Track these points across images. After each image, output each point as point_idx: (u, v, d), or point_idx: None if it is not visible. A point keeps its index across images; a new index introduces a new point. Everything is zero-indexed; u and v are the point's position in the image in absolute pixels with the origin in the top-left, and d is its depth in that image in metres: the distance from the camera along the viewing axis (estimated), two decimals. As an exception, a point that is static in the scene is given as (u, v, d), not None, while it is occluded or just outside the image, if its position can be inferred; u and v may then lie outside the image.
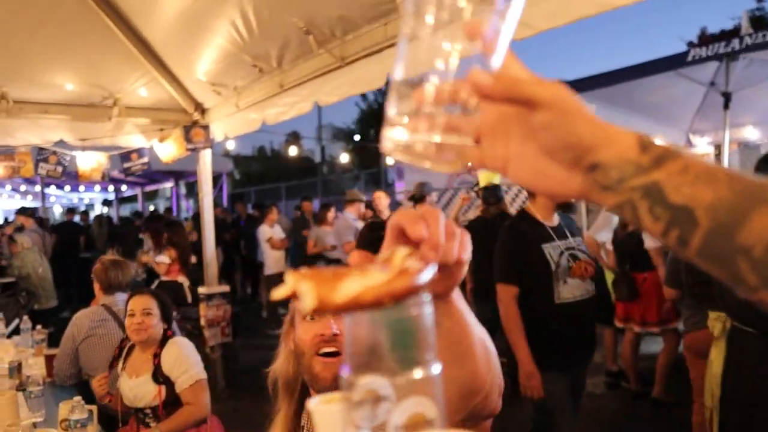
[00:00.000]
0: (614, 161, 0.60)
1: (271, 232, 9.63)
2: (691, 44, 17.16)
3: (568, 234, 3.45)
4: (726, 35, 9.04)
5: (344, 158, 14.25)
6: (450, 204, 11.76)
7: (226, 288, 6.39)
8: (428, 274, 0.55)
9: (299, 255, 9.66)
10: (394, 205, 8.80)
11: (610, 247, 5.94)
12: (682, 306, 4.45)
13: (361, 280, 0.51)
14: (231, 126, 5.72)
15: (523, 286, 3.32)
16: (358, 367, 0.63)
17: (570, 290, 3.31)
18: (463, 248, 0.68)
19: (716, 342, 3.29)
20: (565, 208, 3.69)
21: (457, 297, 0.84)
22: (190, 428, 3.12)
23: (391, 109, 0.60)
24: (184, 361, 3.18)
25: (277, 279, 10.16)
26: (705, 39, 16.87)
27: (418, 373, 0.60)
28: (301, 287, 0.51)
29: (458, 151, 0.61)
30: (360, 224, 7.52)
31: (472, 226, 6.07)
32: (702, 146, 9.36)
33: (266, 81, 4.79)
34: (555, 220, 3.45)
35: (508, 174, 0.65)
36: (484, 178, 6.54)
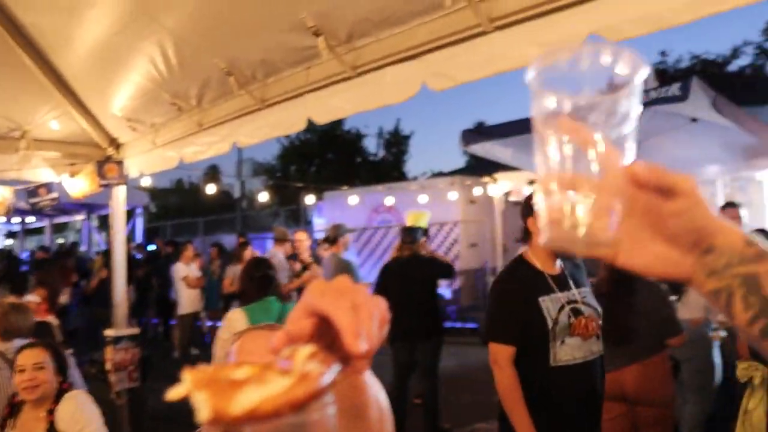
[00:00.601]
0: (725, 248, 0.68)
1: (186, 270, 9.35)
2: (600, 93, 18.04)
3: (572, 284, 2.98)
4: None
5: (264, 195, 14.08)
6: (370, 242, 11.80)
7: (135, 330, 6.11)
8: (331, 375, 0.53)
9: (214, 294, 9.42)
10: (314, 244, 8.72)
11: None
12: None
13: (259, 390, 0.49)
14: (147, 163, 5.54)
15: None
16: None
17: (569, 351, 2.85)
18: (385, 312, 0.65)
19: (755, 392, 3.34)
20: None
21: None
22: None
23: (546, 206, 0.67)
24: (81, 418, 2.97)
25: (191, 318, 9.88)
26: (614, 89, 17.81)
27: None
28: (196, 397, 0.48)
29: (604, 233, 0.67)
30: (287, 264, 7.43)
31: (387, 267, 6.11)
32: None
33: (185, 119, 4.69)
34: (557, 268, 3.00)
35: (620, 258, 0.72)
36: (412, 219, 6.63)
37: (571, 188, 0.65)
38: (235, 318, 4.01)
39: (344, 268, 7.06)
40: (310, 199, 13.69)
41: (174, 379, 0.51)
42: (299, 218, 21.41)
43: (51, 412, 2.96)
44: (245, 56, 3.75)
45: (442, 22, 2.83)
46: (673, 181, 0.68)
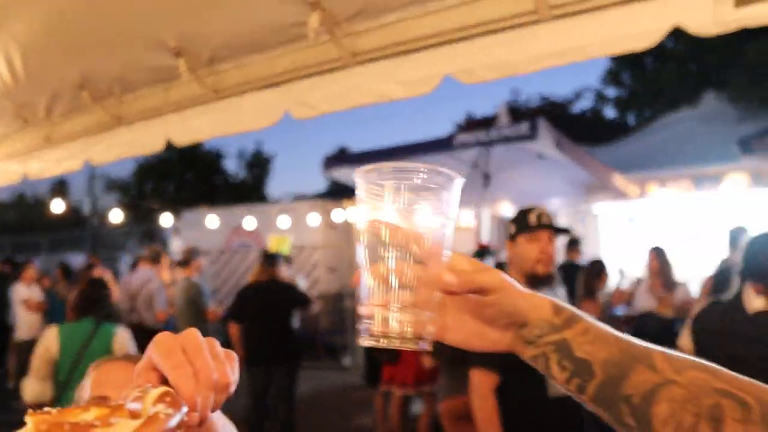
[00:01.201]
0: (537, 321, 0.78)
1: (27, 292, 8.66)
2: (459, 127, 18.94)
3: None
4: (488, 122, 10.16)
5: (117, 213, 13.33)
6: (228, 265, 11.55)
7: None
8: (179, 417, 0.54)
9: (59, 319, 8.78)
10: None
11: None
12: (441, 373, 4.60)
13: None
14: (-17, 176, 5.12)
15: (504, 375, 2.68)
16: None
17: None
18: (232, 371, 0.67)
19: None
20: (547, 281, 3.02)
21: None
22: None
23: (367, 302, 0.73)
24: None
25: (30, 346, 9.10)
26: (470, 124, 18.75)
27: None
28: None
29: (422, 329, 0.73)
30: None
31: (245, 290, 6.05)
32: (465, 219, 10.29)
33: (31, 132, 4.39)
34: None
35: (446, 338, 0.80)
36: (274, 244, 6.60)
37: (394, 286, 0.72)
38: (47, 336, 4.05)
39: (194, 292, 6.92)
40: (167, 219, 13.16)
41: (8, 411, 0.49)
42: (153, 238, 20.51)
43: None
44: (101, 70, 3.58)
45: (305, 53, 2.88)
46: (482, 282, 0.75)
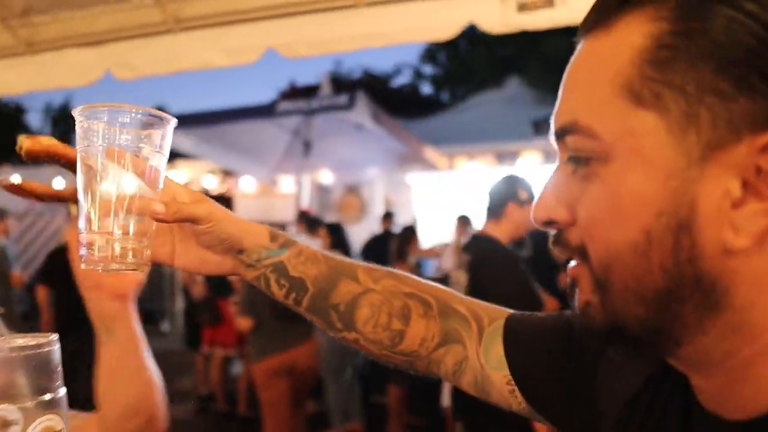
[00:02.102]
0: (254, 247, 0.87)
1: None
2: (282, 94, 18.90)
3: None
4: (310, 91, 10.35)
5: None
6: (33, 228, 10.76)
7: None
8: None
9: None
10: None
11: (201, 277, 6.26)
12: (252, 335, 4.59)
13: None
14: None
15: None
16: None
17: None
18: None
19: None
20: None
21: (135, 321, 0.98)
22: None
23: (85, 231, 0.79)
24: None
25: None
26: (293, 92, 18.78)
27: (47, 397, 0.77)
28: None
29: (140, 254, 0.81)
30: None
31: (55, 254, 5.78)
32: (286, 185, 10.46)
33: None
34: None
35: (175, 263, 0.88)
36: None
37: (114, 215, 0.79)
38: None
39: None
40: (-45, 178, 11.90)
41: None
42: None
43: None
44: None
45: (128, 14, 2.90)
46: (190, 212, 0.82)
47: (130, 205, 0.79)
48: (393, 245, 6.40)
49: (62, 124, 29.88)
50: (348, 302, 0.89)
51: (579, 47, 0.57)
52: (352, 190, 10.87)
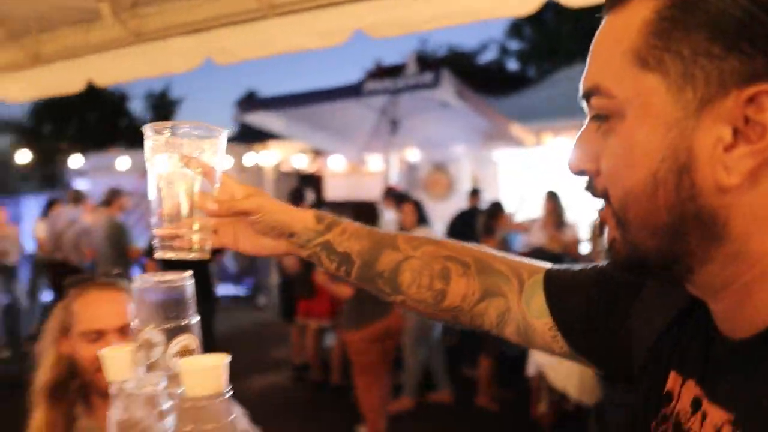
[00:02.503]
0: (302, 230, 1.03)
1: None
2: (368, 74, 19.09)
3: None
4: (396, 70, 10.47)
5: (24, 154, 12.60)
6: (139, 207, 11.42)
7: None
8: None
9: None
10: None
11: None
12: (350, 304, 4.72)
13: None
14: None
15: None
16: (140, 323, 0.96)
17: None
18: None
19: None
20: None
21: None
22: None
23: (159, 226, 0.96)
24: None
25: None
26: (379, 71, 18.94)
27: (183, 322, 0.95)
28: None
29: (203, 243, 0.98)
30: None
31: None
32: (375, 163, 10.65)
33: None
34: None
35: (239, 248, 1.05)
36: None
37: (183, 211, 0.96)
38: None
39: (117, 230, 7.03)
40: (77, 160, 12.73)
41: None
42: (54, 181, 19.75)
43: None
44: (19, 7, 3.63)
45: (226, 3, 3.10)
46: (241, 207, 0.99)
47: (194, 203, 0.96)
48: (480, 221, 6.48)
49: (161, 109, 31.31)
50: (391, 269, 1.01)
51: (602, 23, 0.67)
52: (439, 167, 10.94)
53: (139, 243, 7.32)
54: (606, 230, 0.68)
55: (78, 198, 7.59)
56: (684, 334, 0.73)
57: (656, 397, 0.72)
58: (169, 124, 0.94)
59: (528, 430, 4.80)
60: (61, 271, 7.13)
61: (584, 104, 0.68)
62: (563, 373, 4.09)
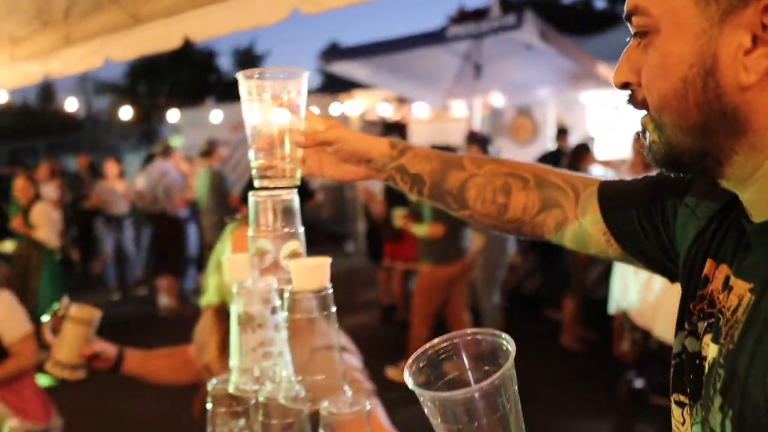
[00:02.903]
0: (378, 156, 1.16)
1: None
2: (451, 19, 18.82)
3: None
4: (479, 14, 10.30)
5: (126, 111, 13.31)
6: (232, 158, 11.91)
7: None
8: None
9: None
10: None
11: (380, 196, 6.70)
12: (435, 243, 4.84)
13: None
14: (2, 77, 5.43)
15: None
16: (256, 233, 1.12)
17: None
18: None
19: None
20: None
21: None
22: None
23: (255, 158, 1.10)
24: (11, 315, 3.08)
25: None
26: (462, 16, 18.63)
27: (291, 230, 1.11)
28: None
29: (294, 172, 1.11)
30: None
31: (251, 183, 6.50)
32: (458, 109, 10.62)
33: (50, 33, 4.69)
34: None
35: (324, 174, 1.18)
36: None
37: (275, 145, 1.09)
38: None
39: (217, 180, 7.43)
40: (174, 115, 13.36)
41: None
42: (152, 137, 20.74)
43: None
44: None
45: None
46: (323, 138, 1.10)
47: (285, 136, 1.09)
48: (564, 161, 6.42)
49: (248, 65, 31.97)
50: (458, 187, 1.13)
51: None
52: (524, 111, 10.79)
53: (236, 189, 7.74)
54: (647, 135, 0.78)
55: (167, 151, 8.02)
56: (720, 228, 0.82)
57: (695, 283, 0.82)
58: (258, 70, 1.08)
59: (611, 368, 4.86)
60: (161, 222, 7.66)
61: (628, 24, 0.78)
62: (647, 312, 4.10)
